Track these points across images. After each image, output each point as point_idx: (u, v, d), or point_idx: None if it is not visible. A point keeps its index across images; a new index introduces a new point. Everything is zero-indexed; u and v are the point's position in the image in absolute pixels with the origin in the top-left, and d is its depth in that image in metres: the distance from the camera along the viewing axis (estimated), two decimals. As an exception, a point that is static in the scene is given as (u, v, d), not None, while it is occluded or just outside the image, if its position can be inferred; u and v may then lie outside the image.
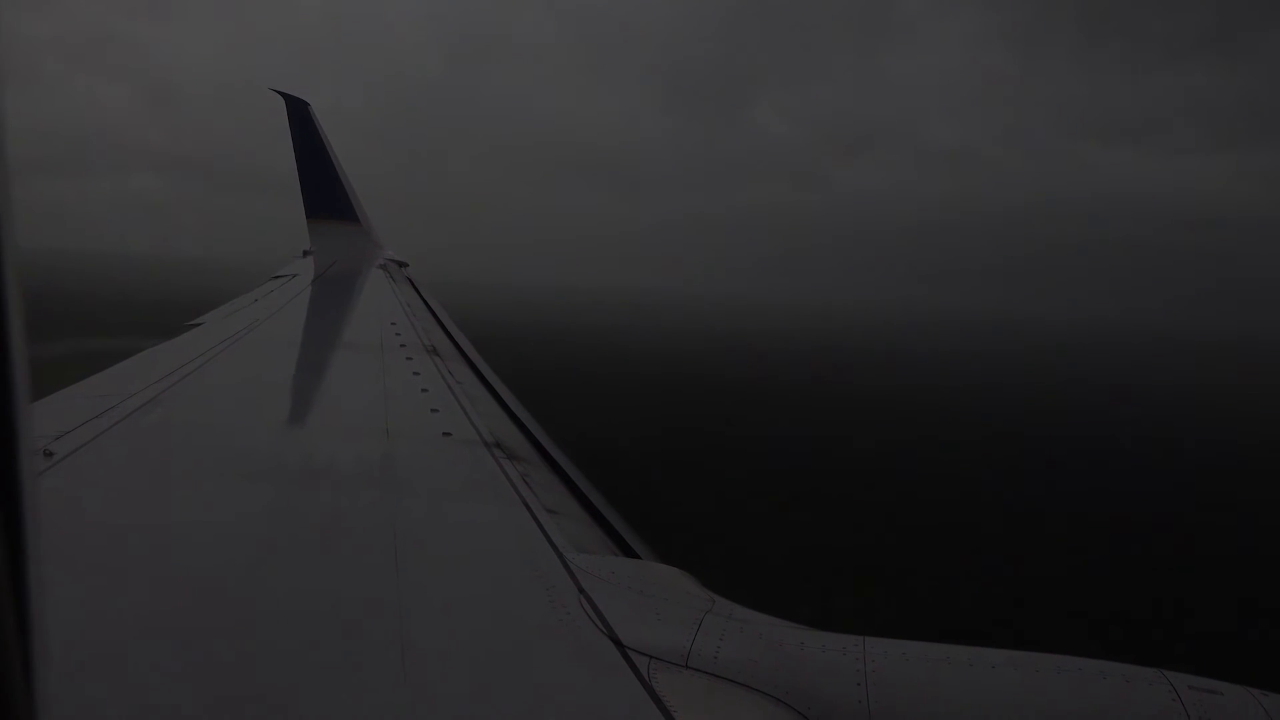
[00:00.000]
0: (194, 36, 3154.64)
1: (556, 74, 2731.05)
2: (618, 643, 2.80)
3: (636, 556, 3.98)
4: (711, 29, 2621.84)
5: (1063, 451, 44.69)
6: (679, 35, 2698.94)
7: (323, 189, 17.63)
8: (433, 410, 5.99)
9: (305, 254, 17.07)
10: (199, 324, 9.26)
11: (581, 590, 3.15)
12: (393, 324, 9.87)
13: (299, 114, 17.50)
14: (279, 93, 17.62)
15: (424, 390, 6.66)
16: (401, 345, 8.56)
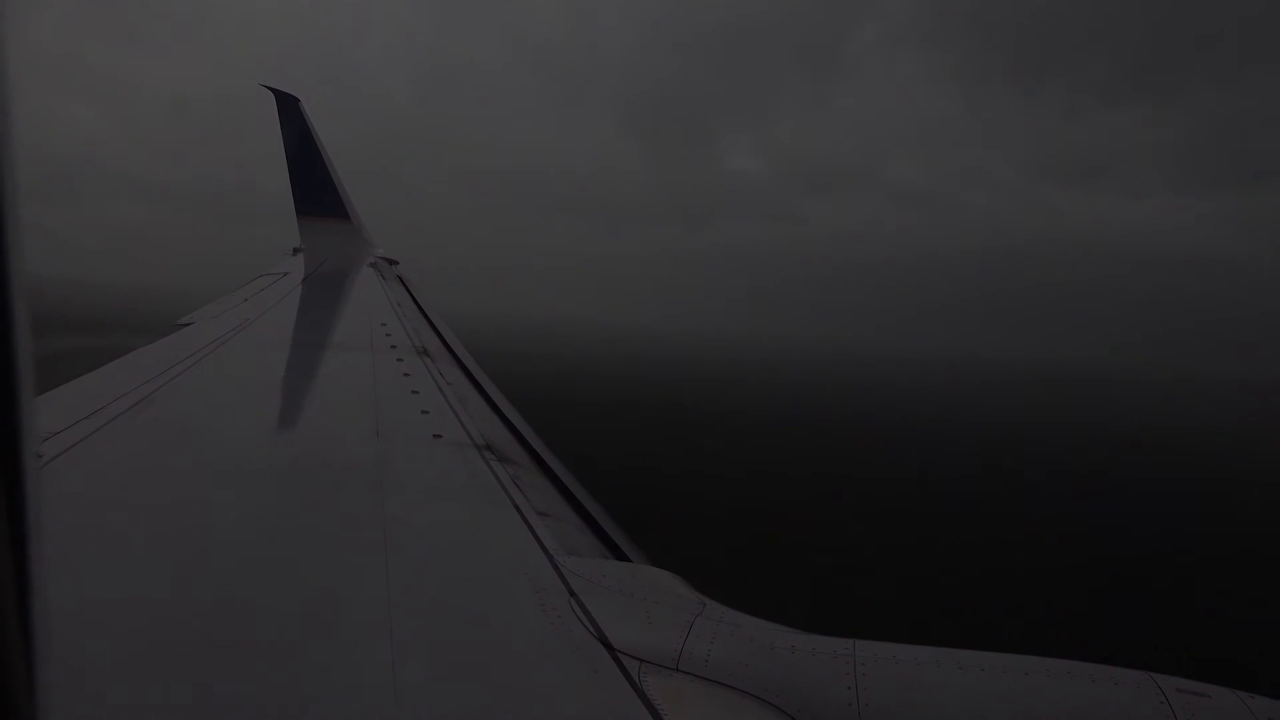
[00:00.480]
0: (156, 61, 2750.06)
1: (518, 108, 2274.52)
2: (608, 645, 2.80)
3: (627, 559, 3.99)
4: (665, 70, 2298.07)
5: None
6: (632, 72, 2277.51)
7: (313, 186, 17.51)
8: (423, 412, 5.97)
9: (295, 251, 16.98)
10: (188, 323, 9.20)
11: (572, 593, 3.15)
12: (383, 324, 9.83)
13: (289, 109, 17.40)
14: (269, 88, 17.52)
15: (414, 392, 6.64)
16: (392, 346, 8.53)
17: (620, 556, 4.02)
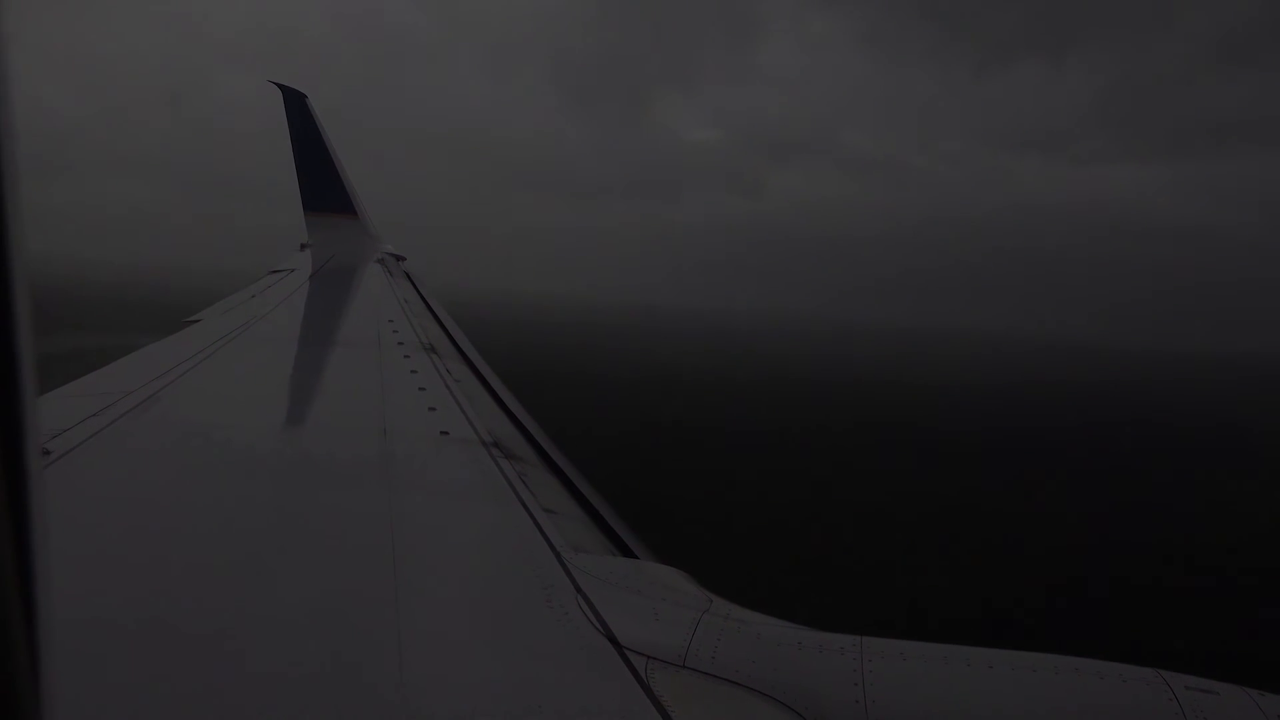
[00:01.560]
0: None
1: (457, 72, 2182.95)
2: (615, 642, 2.80)
3: (634, 556, 3.98)
4: (595, 29, 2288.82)
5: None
6: (562, 32, 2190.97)
7: (320, 182, 17.53)
8: (430, 409, 5.98)
9: (303, 248, 17.00)
10: (196, 320, 9.24)
11: (579, 590, 3.15)
12: (390, 321, 9.84)
13: (296, 106, 17.41)
14: (276, 84, 17.53)
15: (421, 389, 6.65)
16: (399, 343, 8.54)
17: (627, 553, 4.02)
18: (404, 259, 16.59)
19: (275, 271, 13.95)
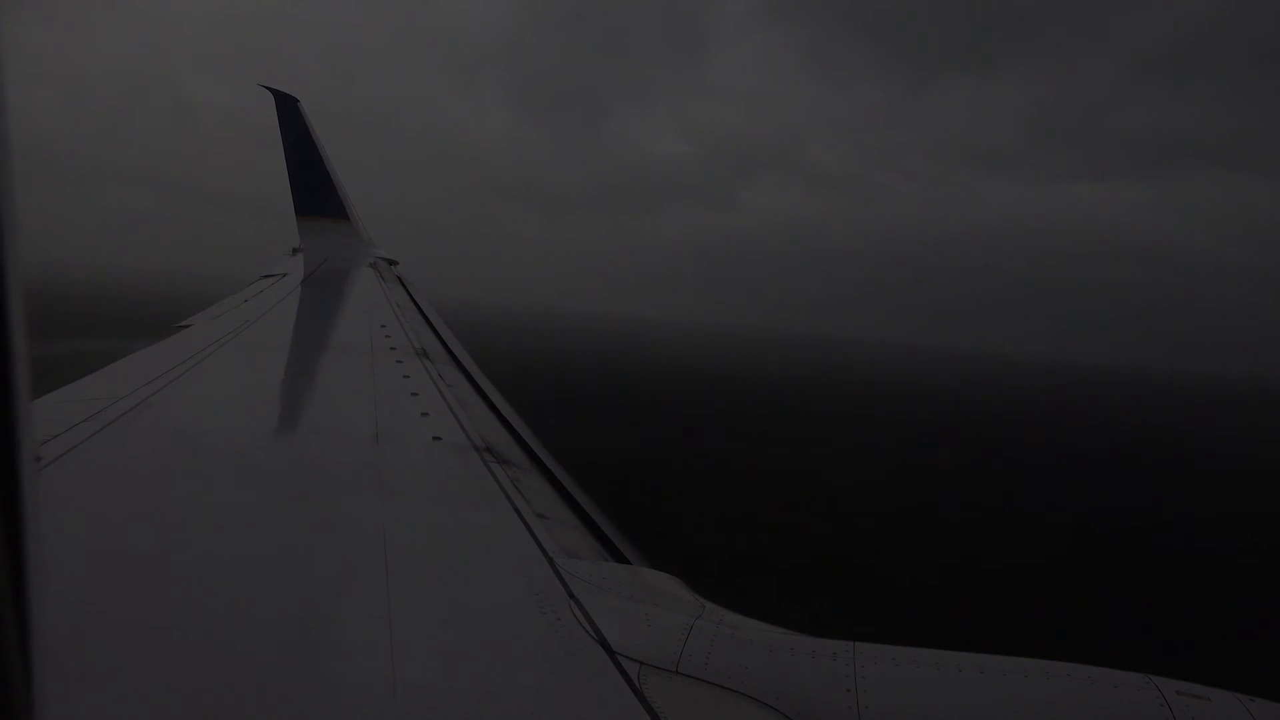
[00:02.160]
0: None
1: (416, 81, 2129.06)
2: (608, 648, 2.80)
3: (627, 562, 3.98)
4: (549, 44, 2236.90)
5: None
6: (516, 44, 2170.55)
7: (312, 186, 17.49)
8: (423, 414, 5.97)
9: (295, 252, 16.96)
10: (187, 325, 9.20)
11: (572, 595, 3.15)
12: (383, 326, 9.82)
13: (288, 110, 17.38)
14: (268, 89, 17.51)
15: (414, 394, 6.64)
16: (391, 348, 8.53)
17: (620, 558, 4.02)
18: (396, 263, 16.56)
19: (268, 276, 13.91)
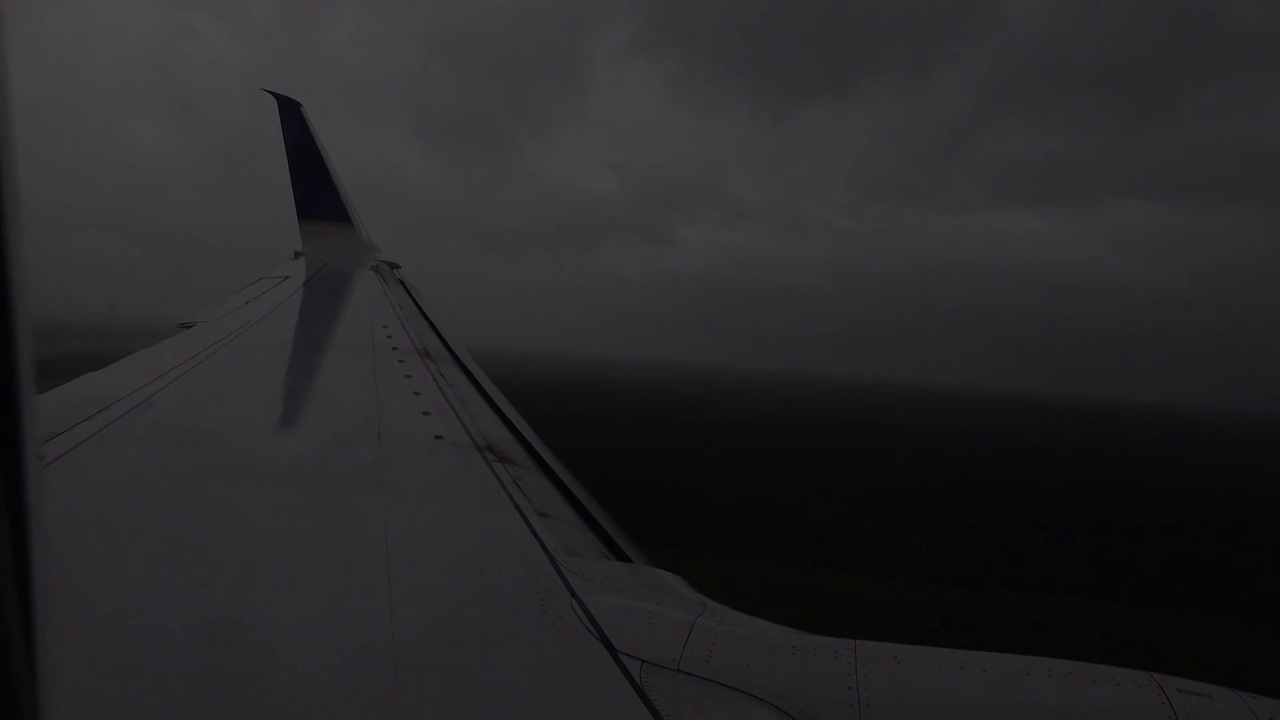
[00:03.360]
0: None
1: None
2: (610, 646, 2.80)
3: (629, 560, 3.99)
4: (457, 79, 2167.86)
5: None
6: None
7: (315, 190, 17.49)
8: (424, 413, 5.97)
9: (297, 255, 16.97)
10: (191, 325, 9.22)
11: (573, 594, 3.15)
12: (384, 326, 9.83)
13: (291, 114, 17.40)
14: (271, 93, 17.53)
15: (416, 393, 6.65)
16: (394, 348, 8.53)
17: (621, 557, 4.03)
18: (399, 266, 16.58)
19: (268, 278, 13.92)
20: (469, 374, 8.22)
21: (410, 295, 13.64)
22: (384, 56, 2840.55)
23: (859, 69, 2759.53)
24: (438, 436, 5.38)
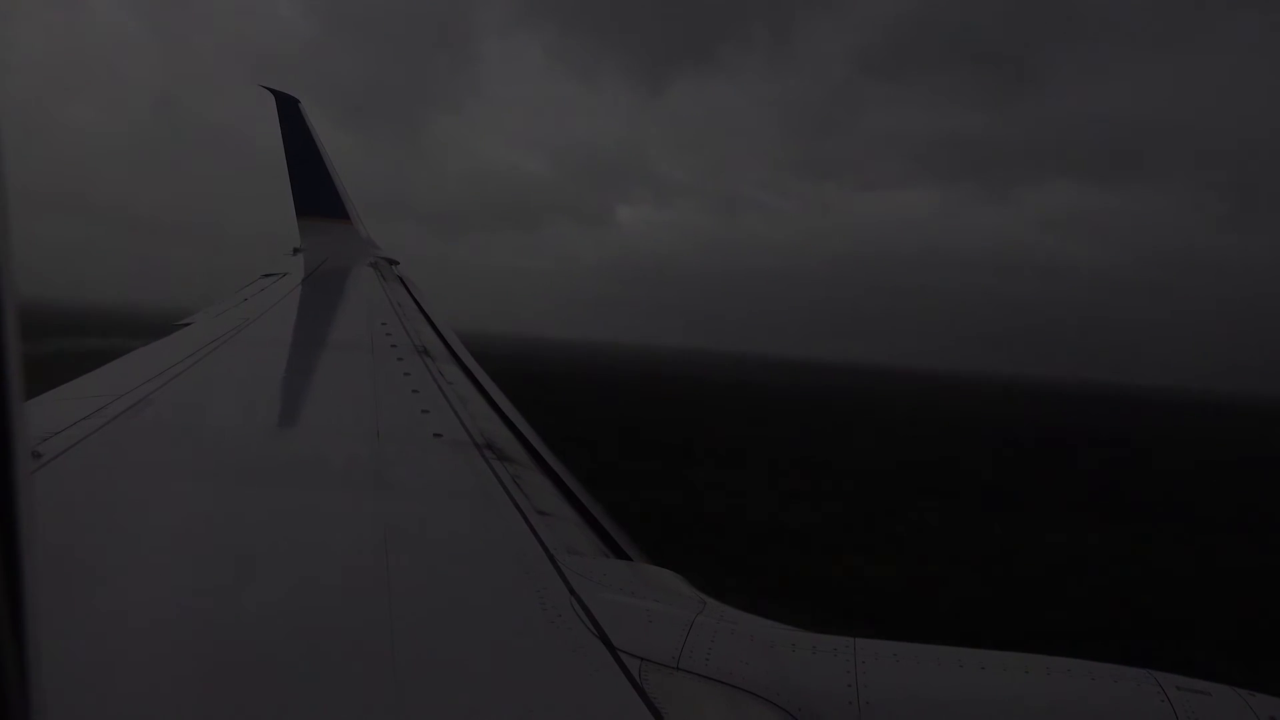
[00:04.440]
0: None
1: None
2: (609, 644, 2.80)
3: (628, 558, 3.98)
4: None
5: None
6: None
7: (313, 186, 17.48)
8: (423, 411, 5.97)
9: (295, 252, 16.96)
10: (188, 324, 9.21)
11: (573, 592, 3.15)
12: (383, 323, 9.82)
13: (289, 111, 17.38)
14: (268, 89, 17.50)
15: (414, 391, 6.64)
16: (392, 346, 8.52)
17: (621, 555, 4.02)
18: (397, 263, 16.56)
19: (268, 275, 13.91)
20: (468, 372, 8.21)
21: (409, 292, 13.63)
22: (275, 25, 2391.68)
23: (722, 37, 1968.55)
24: (437, 434, 5.37)
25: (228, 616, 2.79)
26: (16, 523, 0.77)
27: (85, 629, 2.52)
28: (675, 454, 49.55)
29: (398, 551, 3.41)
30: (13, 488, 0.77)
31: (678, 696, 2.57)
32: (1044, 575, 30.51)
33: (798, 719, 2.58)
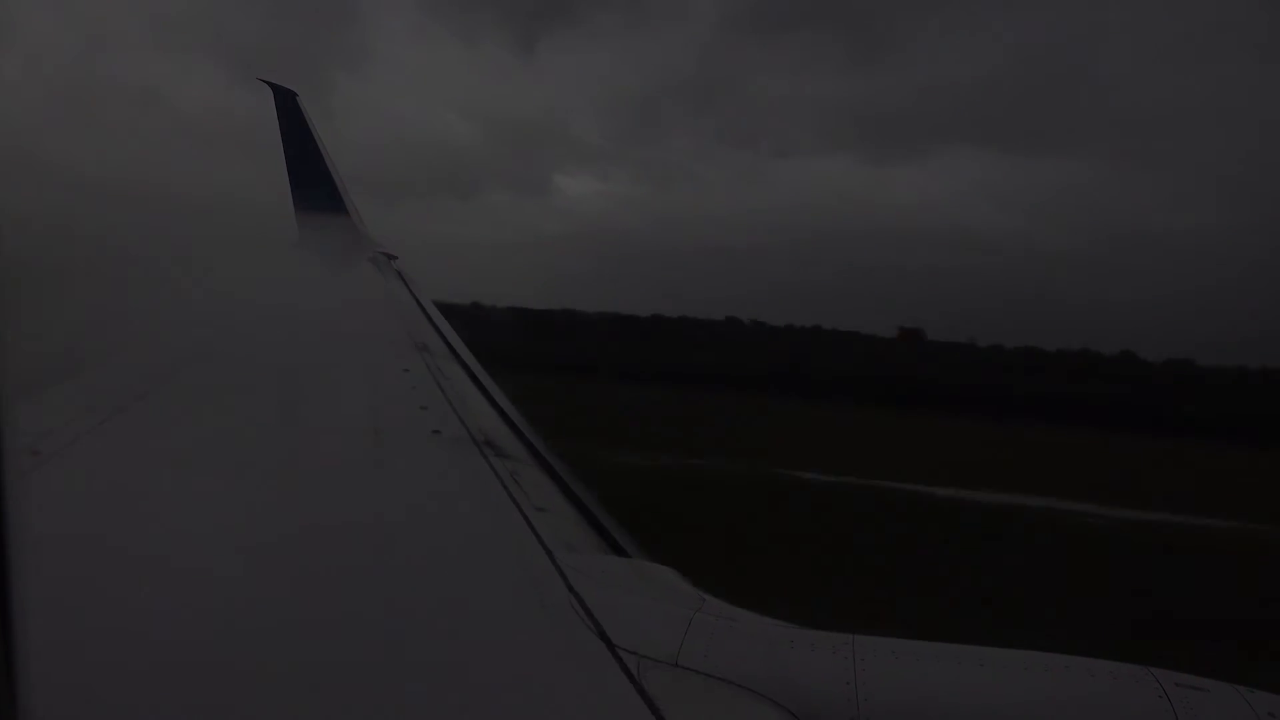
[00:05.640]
0: None
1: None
2: (608, 641, 2.80)
3: (627, 555, 3.98)
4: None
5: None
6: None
7: (311, 181, 17.42)
8: (422, 408, 5.96)
9: (294, 247, 16.91)
10: (187, 321, 9.19)
11: (571, 589, 3.14)
12: (382, 320, 9.82)
13: (287, 104, 17.31)
14: (266, 83, 17.44)
15: (413, 388, 6.63)
16: (391, 342, 8.52)
17: (619, 552, 4.02)
18: (396, 258, 16.53)
19: (268, 273, 13.87)
20: (466, 368, 8.21)
21: (408, 287, 13.61)
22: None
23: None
24: (435, 431, 5.37)
25: (224, 614, 2.79)
26: (5, 522, 0.76)
27: (85, 629, 2.51)
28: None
29: (395, 548, 3.41)
30: (1, 487, 0.76)
31: (677, 694, 2.57)
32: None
33: (798, 716, 2.58)
